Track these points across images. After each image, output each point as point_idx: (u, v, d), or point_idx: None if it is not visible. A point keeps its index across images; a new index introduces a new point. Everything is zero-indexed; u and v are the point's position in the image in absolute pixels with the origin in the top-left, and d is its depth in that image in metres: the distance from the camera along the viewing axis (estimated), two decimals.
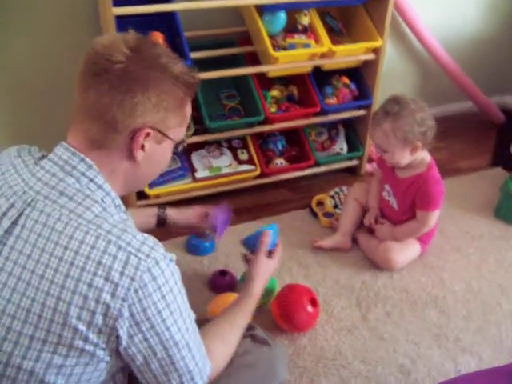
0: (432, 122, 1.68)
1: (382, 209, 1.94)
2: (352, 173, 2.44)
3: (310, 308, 1.58)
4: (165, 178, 2.04)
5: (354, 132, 2.38)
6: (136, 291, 0.85)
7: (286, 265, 1.88)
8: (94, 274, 0.84)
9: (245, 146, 2.24)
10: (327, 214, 2.12)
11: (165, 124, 0.97)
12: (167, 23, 1.90)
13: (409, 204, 1.81)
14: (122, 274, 0.85)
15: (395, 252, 1.82)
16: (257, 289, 1.31)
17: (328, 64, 2.08)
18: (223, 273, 1.78)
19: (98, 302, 0.84)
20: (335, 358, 1.55)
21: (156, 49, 0.98)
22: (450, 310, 1.72)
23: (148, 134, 0.95)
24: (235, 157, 2.20)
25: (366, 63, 2.17)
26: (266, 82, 2.19)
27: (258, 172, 2.18)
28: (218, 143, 2.21)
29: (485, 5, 2.74)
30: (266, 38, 1.92)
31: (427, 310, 1.72)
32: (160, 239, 0.95)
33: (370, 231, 1.97)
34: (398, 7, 2.35)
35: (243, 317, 1.23)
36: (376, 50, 2.09)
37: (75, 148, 0.94)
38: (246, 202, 2.24)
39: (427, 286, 1.82)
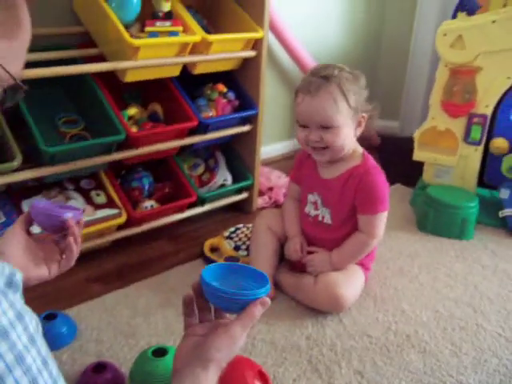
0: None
1: (308, 232, 1.44)
2: (242, 210, 1.93)
3: None
4: None
5: (236, 157, 1.90)
6: None
7: None
8: None
9: (99, 187, 1.60)
10: (230, 259, 1.55)
11: None
12: None
13: (347, 210, 1.35)
14: None
15: (342, 286, 1.32)
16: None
17: (201, 64, 1.60)
18: (100, 366, 1.09)
19: None
20: None
21: None
22: (431, 347, 1.26)
23: None
24: (88, 201, 1.54)
25: (244, 65, 1.75)
26: (117, 102, 1.61)
27: (124, 218, 1.54)
28: (59, 185, 1.54)
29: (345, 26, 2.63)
30: (118, 24, 1.39)
31: (405, 355, 1.23)
32: None
33: (295, 267, 1.45)
34: (272, 27, 2.06)
35: None
36: (257, 44, 1.68)
37: None
38: (110, 264, 1.57)
39: (390, 323, 1.34)
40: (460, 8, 1.90)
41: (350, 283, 1.35)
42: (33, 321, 0.43)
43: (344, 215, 1.35)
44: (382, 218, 1.33)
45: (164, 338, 1.25)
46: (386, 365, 1.19)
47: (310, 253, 1.42)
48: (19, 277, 0.42)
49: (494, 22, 1.74)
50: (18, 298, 0.42)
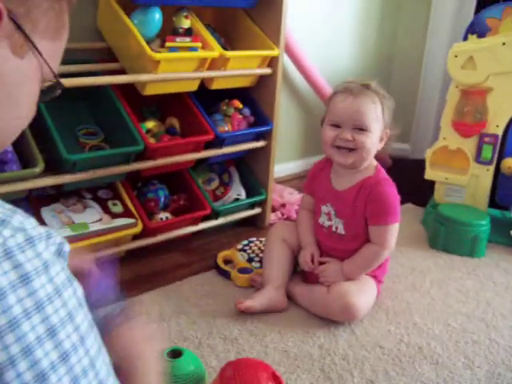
0: None
1: (321, 242, 1.46)
2: (255, 225, 1.96)
3: None
4: None
5: (250, 172, 1.93)
6: None
7: (207, 343, 1.26)
8: None
9: (116, 197, 1.64)
10: (243, 270, 1.57)
11: (29, 17, 0.50)
12: None
13: (359, 220, 1.37)
14: None
15: (354, 295, 1.33)
16: None
17: (218, 79, 1.65)
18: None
19: None
20: None
21: None
22: (443, 359, 1.26)
23: None
24: (105, 210, 1.58)
25: (260, 83, 1.80)
26: (136, 117, 1.65)
27: (139, 227, 1.57)
28: (77, 194, 1.58)
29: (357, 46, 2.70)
30: (140, 38, 1.44)
31: (417, 366, 1.23)
32: None
33: (308, 279, 1.46)
34: (287, 50, 2.11)
35: None
36: (272, 62, 1.74)
37: None
38: (125, 273, 1.59)
39: (402, 335, 1.34)
40: (471, 30, 1.95)
41: (363, 293, 1.36)
42: (79, 288, 0.45)
43: (357, 226, 1.37)
44: (394, 230, 1.35)
45: (177, 343, 1.26)
46: (398, 375, 1.19)
47: (322, 263, 1.44)
48: (67, 248, 0.45)
49: (504, 44, 1.78)
50: (66, 267, 0.44)
